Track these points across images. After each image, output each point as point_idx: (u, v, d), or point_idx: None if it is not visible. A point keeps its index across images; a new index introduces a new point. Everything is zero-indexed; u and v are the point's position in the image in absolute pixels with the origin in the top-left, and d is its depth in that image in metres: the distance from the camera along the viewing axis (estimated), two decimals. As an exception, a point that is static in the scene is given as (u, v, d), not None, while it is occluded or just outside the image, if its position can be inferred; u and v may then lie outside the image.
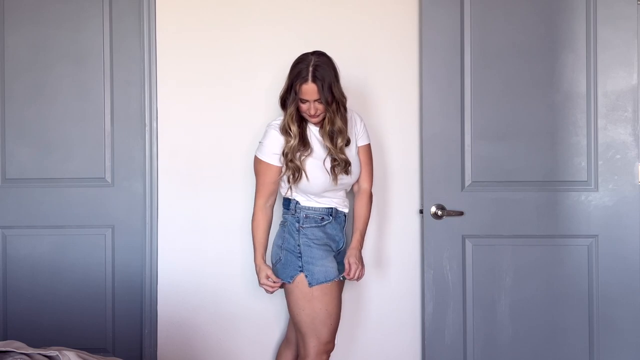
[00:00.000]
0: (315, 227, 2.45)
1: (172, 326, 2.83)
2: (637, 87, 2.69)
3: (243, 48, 2.81)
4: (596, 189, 2.70)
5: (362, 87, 2.80)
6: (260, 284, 2.47)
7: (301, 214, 2.46)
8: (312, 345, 2.41)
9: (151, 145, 2.81)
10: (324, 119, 2.41)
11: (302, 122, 2.43)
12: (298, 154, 2.39)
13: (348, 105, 2.45)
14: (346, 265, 2.43)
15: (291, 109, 2.39)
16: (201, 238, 2.83)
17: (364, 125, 2.58)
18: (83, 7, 2.86)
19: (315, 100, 2.35)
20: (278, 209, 2.57)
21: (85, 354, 1.93)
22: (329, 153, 2.41)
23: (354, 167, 2.48)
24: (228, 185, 2.82)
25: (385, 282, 2.85)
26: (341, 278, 2.45)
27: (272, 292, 2.48)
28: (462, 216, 2.70)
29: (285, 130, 2.40)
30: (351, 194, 2.61)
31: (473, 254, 2.72)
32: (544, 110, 2.71)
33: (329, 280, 2.40)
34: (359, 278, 2.46)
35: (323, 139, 2.42)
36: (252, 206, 2.52)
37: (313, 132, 2.45)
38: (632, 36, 2.68)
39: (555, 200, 2.71)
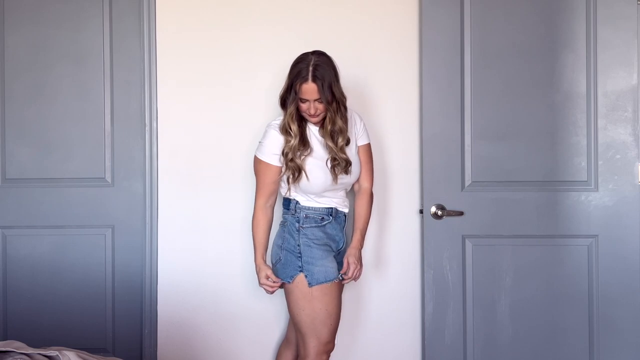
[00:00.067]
0: (315, 227, 2.45)
1: (172, 326, 2.83)
2: (637, 87, 2.69)
3: (243, 48, 2.81)
4: (596, 189, 2.70)
5: (362, 87, 2.80)
6: (260, 284, 2.47)
7: (301, 214, 2.46)
8: (312, 346, 2.41)
9: (151, 145, 2.81)
10: (323, 118, 2.41)
11: (302, 121, 2.43)
12: (298, 153, 2.39)
13: (348, 105, 2.46)
14: (345, 265, 2.43)
15: (291, 108, 2.39)
16: (201, 238, 2.83)
17: (364, 124, 2.58)
18: (83, 7, 2.86)
19: (315, 100, 2.35)
20: (278, 209, 2.57)
21: (85, 354, 1.93)
22: (330, 152, 2.41)
23: (354, 167, 2.48)
24: (228, 185, 2.82)
25: (385, 282, 2.85)
26: (340, 278, 2.45)
27: (272, 293, 2.48)
28: (462, 216, 2.70)
29: (285, 130, 2.40)
30: (351, 193, 2.62)
31: (473, 254, 2.72)
32: (544, 110, 2.71)
33: (328, 281, 2.40)
34: (356, 278, 2.47)
35: (324, 138, 2.42)
36: (252, 206, 2.52)
37: (313, 132, 2.45)
38: (632, 36, 2.68)
39: (555, 200, 2.71)
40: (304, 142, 2.41)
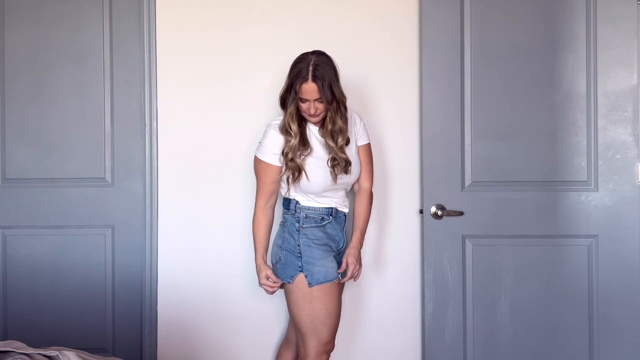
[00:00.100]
0: (315, 227, 2.45)
1: (172, 326, 2.83)
2: (637, 87, 2.69)
3: (243, 48, 2.81)
4: (596, 189, 2.70)
5: (362, 87, 2.80)
6: (260, 284, 2.47)
7: (301, 214, 2.46)
8: (312, 346, 2.41)
9: (151, 145, 2.81)
10: (323, 118, 2.41)
11: (302, 121, 2.42)
12: (298, 153, 2.39)
13: (348, 105, 2.46)
14: (343, 264, 2.43)
15: (291, 108, 2.39)
16: (201, 238, 2.83)
17: (364, 124, 2.58)
18: (83, 7, 2.86)
19: (315, 100, 2.35)
20: (278, 209, 2.57)
21: (85, 354, 1.93)
22: (330, 152, 2.41)
23: (354, 167, 2.48)
24: (228, 185, 2.82)
25: (385, 282, 2.85)
26: (339, 277, 2.45)
27: (272, 293, 2.48)
28: (462, 216, 2.70)
29: (285, 130, 2.40)
30: (351, 193, 2.61)
31: (473, 254, 2.72)
32: (544, 110, 2.71)
33: (329, 281, 2.40)
34: (355, 278, 2.47)
35: (324, 138, 2.42)
36: (252, 206, 2.52)
37: (313, 132, 2.45)
38: (632, 36, 2.68)
39: (555, 200, 2.71)
40: (304, 142, 2.41)
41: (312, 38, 2.73)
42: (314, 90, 2.33)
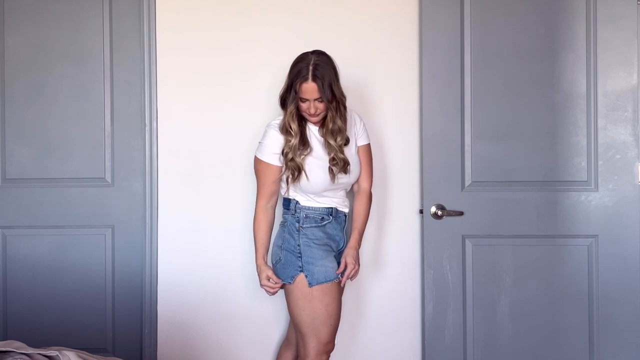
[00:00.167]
0: (315, 227, 2.45)
1: (172, 326, 2.83)
2: (637, 87, 2.69)
3: (243, 48, 2.81)
4: (596, 189, 2.70)
5: (361, 87, 2.80)
6: (262, 285, 2.46)
7: (301, 214, 2.46)
8: (312, 346, 2.41)
9: (151, 145, 2.81)
10: (323, 118, 2.42)
11: (301, 121, 2.42)
12: (298, 152, 2.39)
13: (348, 105, 2.46)
14: (342, 264, 2.43)
15: (291, 107, 2.39)
16: (201, 238, 2.83)
17: (364, 125, 2.58)
18: (83, 7, 2.86)
19: (315, 100, 2.35)
20: (279, 209, 2.57)
21: (85, 354, 1.93)
22: (330, 152, 2.41)
23: (354, 167, 2.48)
24: (228, 185, 2.82)
25: (385, 282, 2.85)
26: (339, 277, 2.44)
27: (273, 294, 2.48)
28: (462, 216, 2.70)
29: (285, 129, 2.40)
30: (351, 193, 2.61)
31: (473, 254, 2.72)
32: (544, 110, 2.71)
33: (329, 281, 2.40)
34: (352, 277, 2.46)
35: (325, 137, 2.41)
36: (252, 206, 2.53)
37: (312, 132, 2.45)
38: (632, 36, 2.68)
39: (555, 200, 2.71)
40: (303, 142, 2.41)
41: (312, 38, 2.73)
42: (314, 90, 2.33)
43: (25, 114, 2.86)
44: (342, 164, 2.41)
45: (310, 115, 2.38)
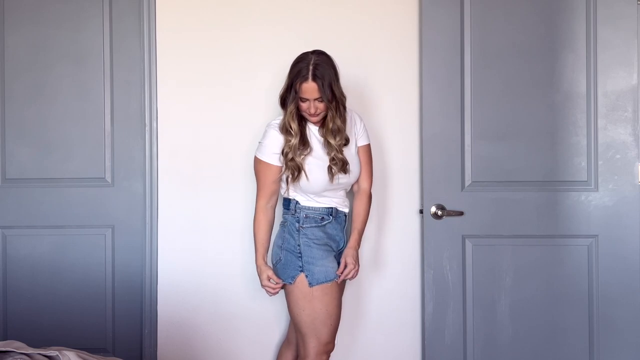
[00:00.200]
0: (315, 227, 2.45)
1: (172, 326, 2.83)
2: (637, 87, 2.69)
3: (243, 48, 2.81)
4: (596, 189, 2.70)
5: (361, 87, 2.80)
6: (263, 285, 2.46)
7: (301, 214, 2.46)
8: (312, 346, 2.41)
9: (151, 145, 2.81)
10: (323, 118, 2.42)
11: (301, 121, 2.42)
12: (298, 152, 2.39)
13: (348, 105, 2.46)
14: (342, 264, 2.43)
15: (291, 107, 2.39)
16: (201, 238, 2.83)
17: (364, 125, 2.58)
18: (83, 7, 2.86)
19: (315, 99, 2.35)
20: (279, 209, 2.57)
21: (85, 354, 1.93)
22: (330, 152, 2.41)
23: (354, 167, 2.48)
24: (228, 185, 2.82)
25: (385, 282, 2.85)
26: (334, 278, 2.43)
27: (274, 294, 2.47)
28: (462, 216, 2.70)
29: (285, 129, 2.40)
30: (351, 193, 2.61)
31: (473, 254, 2.72)
32: (544, 110, 2.71)
33: (329, 280, 2.40)
34: (352, 277, 2.46)
35: (325, 137, 2.41)
36: (252, 206, 2.53)
37: (312, 132, 2.45)
38: (632, 36, 2.68)
39: (555, 200, 2.71)
40: (303, 142, 2.41)
41: (312, 38, 2.73)
42: (314, 90, 2.33)
43: (25, 114, 2.86)
44: (340, 164, 2.41)
45: (310, 115, 2.38)
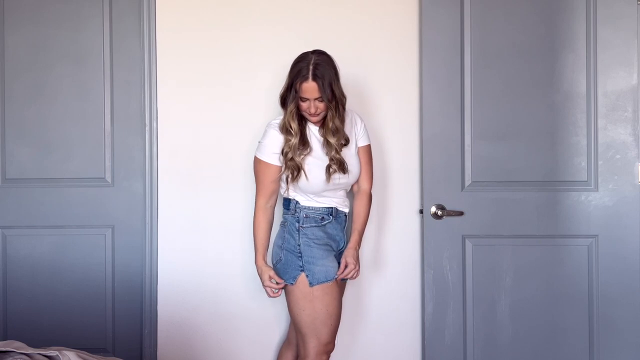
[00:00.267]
0: (315, 226, 2.45)
1: (172, 326, 2.83)
2: (637, 87, 2.69)
3: (243, 48, 2.81)
4: (596, 189, 2.70)
5: (361, 87, 2.80)
6: (265, 285, 2.46)
7: (301, 214, 2.46)
8: (312, 346, 2.41)
9: (151, 145, 2.81)
10: (323, 118, 2.42)
11: (301, 120, 2.42)
12: (298, 152, 2.39)
13: (348, 105, 2.46)
14: (342, 264, 2.43)
15: (291, 107, 2.39)
16: (201, 238, 2.83)
17: (364, 126, 2.58)
18: (83, 7, 2.86)
19: (315, 99, 2.35)
20: (279, 209, 2.57)
21: (85, 354, 1.93)
22: (329, 152, 2.41)
23: (354, 168, 2.48)
24: (228, 185, 2.82)
25: (385, 282, 2.85)
26: (334, 277, 2.43)
27: (275, 296, 2.46)
28: (462, 216, 2.70)
29: (285, 129, 2.40)
30: (351, 194, 2.61)
31: (473, 254, 2.72)
32: (544, 110, 2.71)
33: (329, 280, 2.40)
34: (352, 277, 2.46)
35: (325, 136, 2.41)
36: (252, 206, 2.52)
37: (313, 132, 2.45)
38: (632, 36, 2.68)
39: (555, 200, 2.71)
40: (303, 141, 2.41)
41: (312, 38, 2.73)
42: (314, 89, 2.33)
43: (25, 114, 2.86)
44: (338, 163, 2.41)
45: (310, 115, 2.38)
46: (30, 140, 2.87)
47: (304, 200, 2.46)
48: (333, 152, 2.40)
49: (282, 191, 2.51)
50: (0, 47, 2.86)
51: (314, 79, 2.32)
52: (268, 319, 2.84)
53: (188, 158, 2.82)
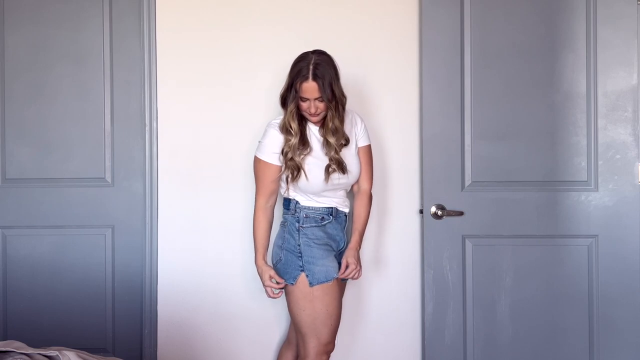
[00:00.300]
0: (315, 226, 2.45)
1: (172, 326, 2.83)
2: (637, 87, 2.69)
3: (243, 48, 2.81)
4: (596, 189, 2.70)
5: (361, 87, 2.80)
6: (265, 285, 2.45)
7: (301, 214, 2.46)
8: (312, 346, 2.41)
9: (151, 145, 2.81)
10: (323, 118, 2.41)
11: (302, 120, 2.42)
12: (298, 152, 2.39)
13: (348, 105, 2.46)
14: (343, 264, 2.43)
15: (291, 107, 2.39)
16: (201, 238, 2.83)
17: (365, 126, 2.58)
18: (83, 7, 2.86)
19: (315, 99, 2.35)
20: (279, 209, 2.57)
21: (85, 354, 1.93)
22: (329, 152, 2.41)
23: (354, 168, 2.48)
24: (228, 185, 2.82)
25: (385, 282, 2.85)
26: (334, 276, 2.43)
27: (275, 297, 2.46)
28: (462, 216, 2.70)
29: (285, 129, 2.40)
30: (351, 194, 2.61)
31: (473, 254, 2.72)
32: (544, 110, 2.71)
33: (329, 280, 2.40)
34: (355, 278, 2.45)
35: (325, 136, 2.41)
36: (252, 206, 2.52)
37: (313, 132, 2.45)
38: (632, 36, 2.68)
39: (555, 200, 2.71)
40: (303, 141, 2.41)
41: (312, 38, 2.73)
42: (314, 89, 2.33)
43: (25, 114, 2.86)
44: (336, 163, 2.41)
45: (310, 114, 2.39)
46: (30, 140, 2.87)
47: (304, 200, 2.46)
48: (332, 152, 2.40)
49: (282, 191, 2.51)
50: (0, 47, 2.86)
51: (314, 78, 2.32)
52: (268, 319, 2.84)
53: (188, 158, 2.82)
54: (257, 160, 2.47)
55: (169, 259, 2.83)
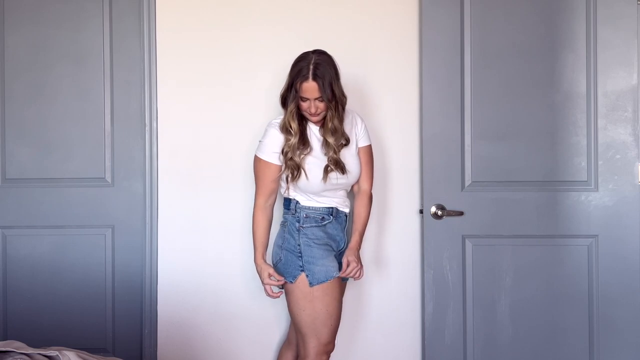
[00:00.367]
0: (315, 226, 2.45)
1: (172, 326, 2.83)
2: (637, 87, 2.69)
3: (243, 48, 2.81)
4: (596, 189, 2.70)
5: (361, 87, 2.80)
6: (264, 283, 2.46)
7: (301, 214, 2.46)
8: (312, 346, 2.41)
9: (151, 145, 2.81)
10: (324, 118, 2.42)
11: (302, 120, 2.43)
12: (298, 152, 2.39)
13: (348, 105, 2.46)
14: (344, 264, 2.43)
15: (291, 106, 2.39)
16: (201, 238, 2.83)
17: (365, 126, 2.58)
18: (83, 7, 2.86)
19: (316, 99, 2.35)
20: (279, 209, 2.57)
21: (85, 354, 1.93)
22: (328, 152, 2.41)
23: (354, 168, 2.48)
24: (228, 185, 2.82)
25: (385, 282, 2.85)
26: (334, 275, 2.43)
27: (275, 297, 2.46)
28: (462, 216, 2.70)
29: (285, 129, 2.40)
30: (351, 195, 2.61)
31: (473, 254, 2.72)
32: (544, 110, 2.71)
33: (330, 279, 2.40)
34: (357, 277, 2.45)
35: (325, 136, 2.41)
36: (252, 206, 2.52)
37: (313, 131, 2.45)
38: (632, 36, 2.68)
39: (555, 200, 2.71)
40: (303, 141, 2.41)
41: (312, 38, 2.73)
42: (314, 89, 2.33)
43: (25, 114, 2.86)
44: (334, 163, 2.41)
45: (310, 114, 2.39)
46: (30, 140, 2.87)
47: (304, 200, 2.46)
48: (331, 152, 2.40)
49: (282, 191, 2.51)
50: (0, 47, 2.86)
51: (314, 78, 2.32)
52: (268, 319, 2.84)
53: (188, 158, 2.82)
54: (257, 160, 2.47)
55: (169, 259, 2.83)
